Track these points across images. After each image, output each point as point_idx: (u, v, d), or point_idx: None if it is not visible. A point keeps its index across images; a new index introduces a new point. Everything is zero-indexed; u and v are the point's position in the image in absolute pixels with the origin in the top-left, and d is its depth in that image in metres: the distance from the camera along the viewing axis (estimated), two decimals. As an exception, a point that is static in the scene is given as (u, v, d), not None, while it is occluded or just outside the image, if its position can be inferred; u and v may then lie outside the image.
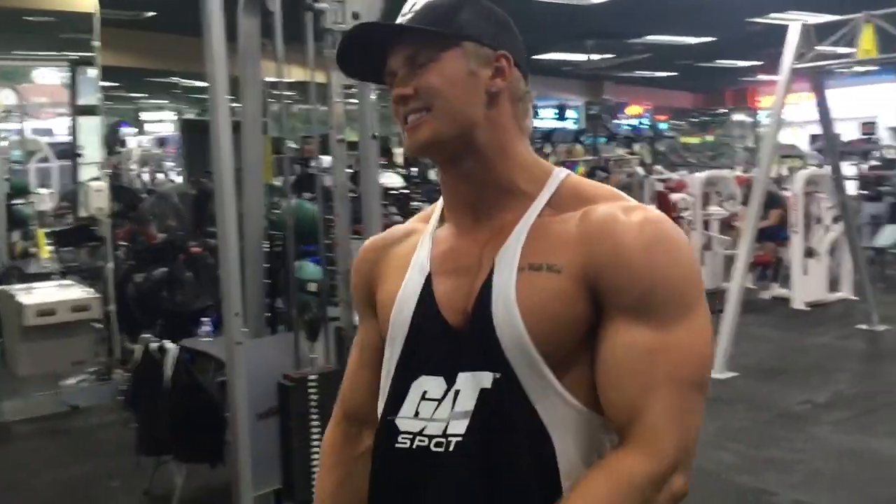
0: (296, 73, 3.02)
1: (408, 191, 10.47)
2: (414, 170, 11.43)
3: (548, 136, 14.21)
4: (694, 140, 19.55)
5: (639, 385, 0.99)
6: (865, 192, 10.69)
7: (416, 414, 1.07)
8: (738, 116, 20.57)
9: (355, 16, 2.66)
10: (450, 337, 1.08)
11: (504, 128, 1.10)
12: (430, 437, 1.06)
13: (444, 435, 1.05)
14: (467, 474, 1.04)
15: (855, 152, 11.61)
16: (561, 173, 1.12)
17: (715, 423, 4.46)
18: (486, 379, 1.04)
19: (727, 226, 8.48)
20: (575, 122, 17.60)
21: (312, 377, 2.93)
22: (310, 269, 3.47)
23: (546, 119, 16.53)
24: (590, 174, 11.24)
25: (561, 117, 16.33)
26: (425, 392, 1.08)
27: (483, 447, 1.03)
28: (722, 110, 21.19)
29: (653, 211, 1.06)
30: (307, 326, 3.06)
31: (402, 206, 9.08)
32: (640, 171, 10.49)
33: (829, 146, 7.39)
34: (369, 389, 1.20)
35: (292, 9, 2.79)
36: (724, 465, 3.99)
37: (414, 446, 1.07)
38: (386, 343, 1.15)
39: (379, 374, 1.16)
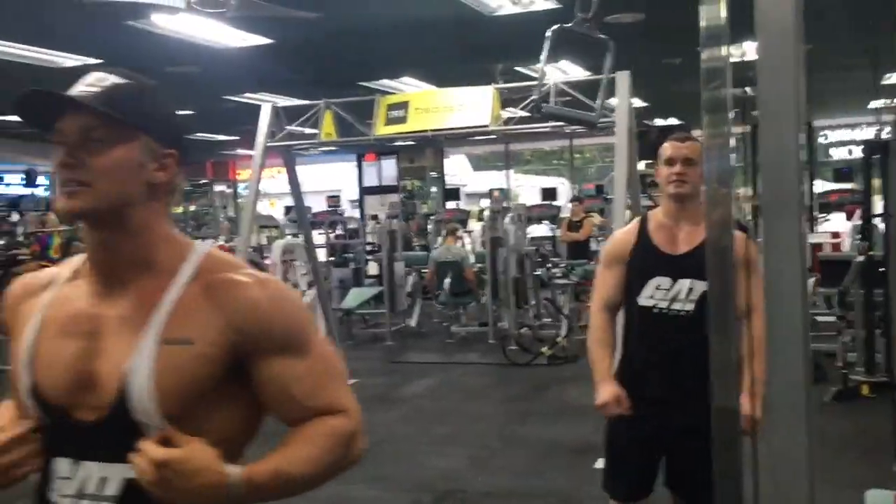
0: None
1: None
2: None
3: (15, 203, 12.87)
4: (177, 210, 19.59)
5: (313, 396, 1.25)
6: (333, 258, 11.86)
7: (58, 490, 1.20)
8: (219, 187, 21.20)
9: None
10: (75, 428, 1.19)
11: (155, 211, 1.24)
12: None
13: None
14: None
15: (324, 223, 12.80)
16: (200, 249, 1.27)
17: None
18: (130, 469, 1.14)
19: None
20: (47, 189, 16.25)
21: None
22: None
23: (12, 185, 14.95)
24: (66, 244, 10.47)
25: (30, 183, 14.94)
26: (60, 472, 1.20)
27: None
28: (204, 181, 21.64)
29: (265, 275, 1.28)
30: None
31: None
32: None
33: (300, 217, 8.05)
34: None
35: None
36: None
37: None
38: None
39: None
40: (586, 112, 4.44)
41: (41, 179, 15.86)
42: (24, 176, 14.97)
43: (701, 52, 1.35)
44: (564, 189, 18.76)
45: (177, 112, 1.30)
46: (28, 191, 14.78)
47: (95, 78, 1.21)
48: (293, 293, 1.31)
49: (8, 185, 14.75)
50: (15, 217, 12.96)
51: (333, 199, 15.50)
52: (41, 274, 1.35)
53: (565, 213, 12.85)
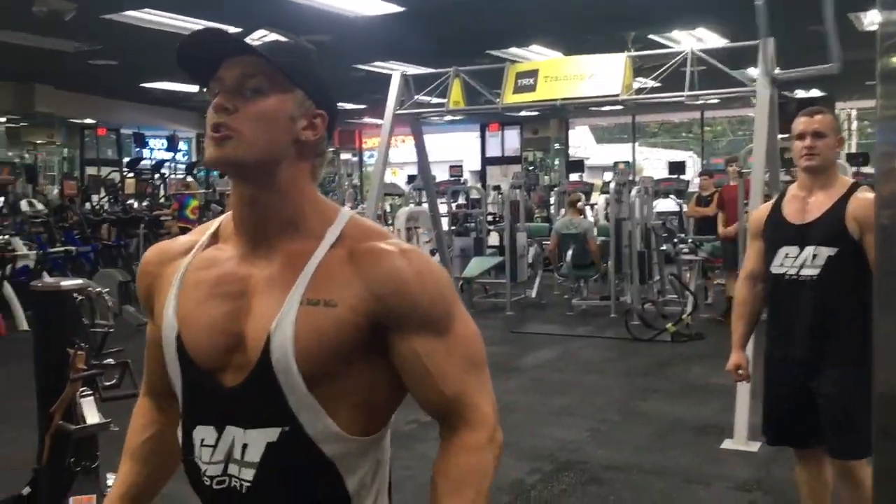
0: None
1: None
2: (1, 199, 10.17)
3: (157, 167, 13.60)
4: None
5: (449, 380, 1.19)
6: (454, 227, 11.95)
7: (200, 457, 1.21)
8: (345, 155, 21.73)
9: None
10: (220, 392, 1.19)
11: (302, 172, 1.22)
12: (212, 478, 1.19)
13: (226, 475, 1.18)
14: None
15: (446, 192, 12.89)
16: (346, 214, 1.24)
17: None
18: (272, 434, 1.16)
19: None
20: (185, 155, 17.10)
21: None
22: None
23: (156, 150, 15.81)
24: (205, 207, 11.01)
25: (171, 148, 15.75)
26: (203, 439, 1.20)
27: (275, 491, 1.17)
28: (331, 149, 22.16)
29: (410, 245, 1.24)
30: None
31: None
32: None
33: (427, 185, 8.15)
34: (163, 373, 1.28)
35: None
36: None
37: (207, 485, 1.20)
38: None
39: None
40: (825, 65, 4.08)
41: (182, 145, 16.71)
42: (166, 141, 15.80)
43: (880, 14, 1.27)
44: (692, 163, 18.18)
45: (332, 78, 1.26)
46: (170, 155, 15.58)
47: (259, 33, 1.21)
48: (439, 267, 1.22)
49: (152, 149, 15.59)
50: (158, 180, 13.69)
51: (456, 169, 15.56)
52: (177, 241, 1.33)
53: (693, 188, 12.44)
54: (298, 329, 1.14)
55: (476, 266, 10.07)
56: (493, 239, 12.74)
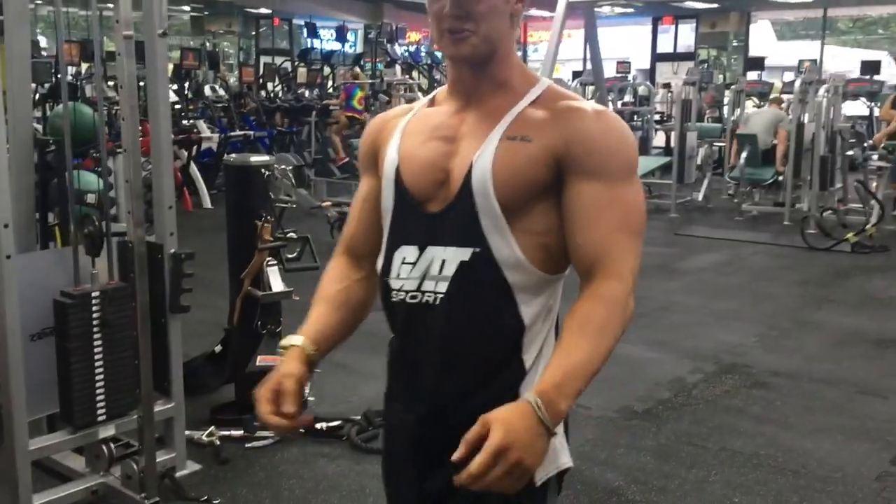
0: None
1: (179, 106, 9.90)
2: (186, 84, 10.77)
3: (327, 57, 13.91)
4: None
5: (602, 229, 1.28)
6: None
7: (398, 275, 1.37)
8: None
9: None
10: (426, 218, 1.35)
11: (511, 38, 1.38)
12: (408, 293, 1.35)
13: (419, 290, 1.34)
14: (446, 322, 1.32)
15: (612, 89, 12.43)
16: (546, 80, 1.40)
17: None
18: (465, 253, 1.31)
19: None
20: (353, 46, 17.36)
21: (95, 294, 2.74)
22: (88, 180, 3.18)
23: (326, 40, 16.14)
24: (372, 97, 11.22)
25: (340, 39, 16.02)
26: (404, 258, 1.36)
27: (462, 305, 1.32)
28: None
29: (607, 109, 1.36)
30: (87, 240, 2.83)
31: (173, 122, 8.57)
32: (421, 97, 10.61)
33: (597, 78, 7.90)
34: (367, 231, 1.48)
35: None
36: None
37: (400, 300, 1.36)
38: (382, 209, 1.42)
39: (375, 219, 1.44)
40: None
41: (350, 36, 16.96)
42: (335, 32, 16.06)
43: None
44: (888, 64, 16.55)
45: None
46: (338, 46, 15.86)
47: None
48: (629, 132, 1.33)
49: (322, 39, 15.91)
50: (327, 70, 14.02)
51: (623, 66, 14.93)
52: (395, 108, 1.54)
53: (888, 90, 11.38)
54: (497, 159, 1.29)
55: (642, 165, 9.69)
56: (659, 139, 12.24)
